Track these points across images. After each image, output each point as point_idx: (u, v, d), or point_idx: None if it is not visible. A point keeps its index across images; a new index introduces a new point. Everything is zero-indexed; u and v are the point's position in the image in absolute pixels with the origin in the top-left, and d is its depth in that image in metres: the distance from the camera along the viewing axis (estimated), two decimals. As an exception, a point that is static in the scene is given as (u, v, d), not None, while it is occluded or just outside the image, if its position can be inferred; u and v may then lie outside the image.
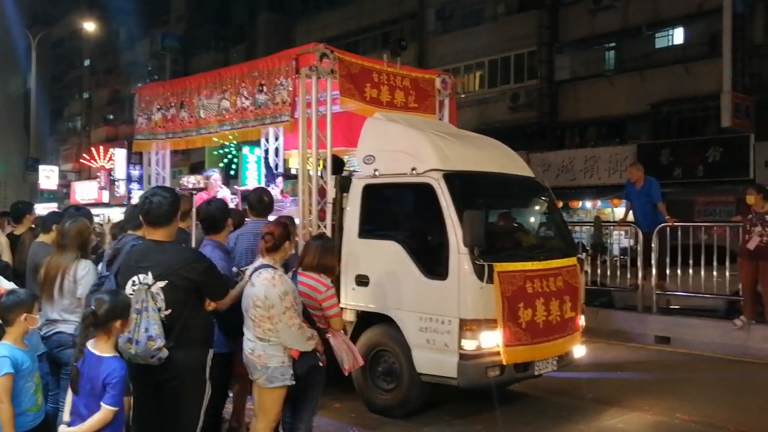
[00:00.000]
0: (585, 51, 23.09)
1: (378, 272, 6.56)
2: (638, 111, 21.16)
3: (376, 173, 6.68)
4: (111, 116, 45.45)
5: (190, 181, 8.32)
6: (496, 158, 7.04)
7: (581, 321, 6.84)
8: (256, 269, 4.66)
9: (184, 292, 4.06)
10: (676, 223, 10.54)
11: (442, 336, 6.06)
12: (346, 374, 5.18)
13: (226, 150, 27.10)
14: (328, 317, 4.96)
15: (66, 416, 3.78)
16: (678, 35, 21.59)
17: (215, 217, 5.40)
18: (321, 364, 4.74)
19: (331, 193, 6.95)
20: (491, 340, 5.99)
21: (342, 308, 6.78)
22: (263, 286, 4.51)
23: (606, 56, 23.13)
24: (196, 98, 8.09)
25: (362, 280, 6.64)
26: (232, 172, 26.27)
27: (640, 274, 10.51)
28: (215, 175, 8.83)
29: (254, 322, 4.56)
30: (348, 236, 6.80)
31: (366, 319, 6.75)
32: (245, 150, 28.40)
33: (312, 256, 5.01)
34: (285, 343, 4.54)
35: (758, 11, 19.23)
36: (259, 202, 6.14)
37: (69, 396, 3.79)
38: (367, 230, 6.71)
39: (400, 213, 7.04)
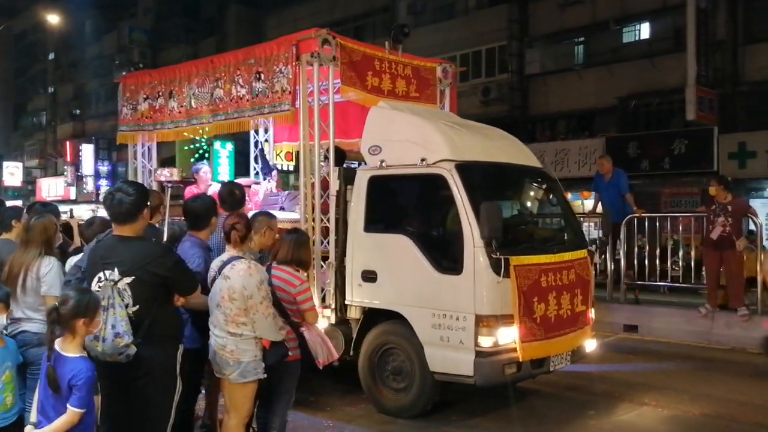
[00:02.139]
0: (554, 45, 22.93)
1: (386, 267, 6.18)
2: (606, 104, 21.09)
3: (383, 164, 6.27)
4: (77, 111, 43.90)
5: (164, 173, 7.78)
6: (504, 148, 6.69)
7: (591, 314, 6.53)
8: (226, 262, 4.49)
9: (152, 287, 3.90)
10: (643, 214, 10.52)
11: (456, 333, 5.71)
12: (321, 368, 4.98)
13: (197, 145, 26.42)
14: (303, 311, 4.81)
15: (33, 417, 3.62)
16: (644, 30, 21.59)
17: (197, 213, 5.12)
18: (290, 353, 4.63)
19: (334, 185, 6.49)
20: (508, 337, 5.68)
21: (347, 305, 6.43)
22: (240, 277, 4.36)
23: (575, 50, 23.00)
24: (187, 87, 7.51)
25: (369, 276, 6.24)
26: (203, 167, 25.53)
27: (609, 264, 10.52)
28: (205, 168, 8.29)
29: (228, 316, 4.38)
30: (353, 230, 6.40)
31: (373, 317, 6.34)
32: (216, 144, 27.78)
33: (286, 250, 4.89)
34: (261, 333, 4.42)
35: (721, 7, 19.24)
36: (230, 195, 5.85)
37: (36, 396, 3.65)
38: (374, 224, 6.32)
39: (408, 205, 6.65)
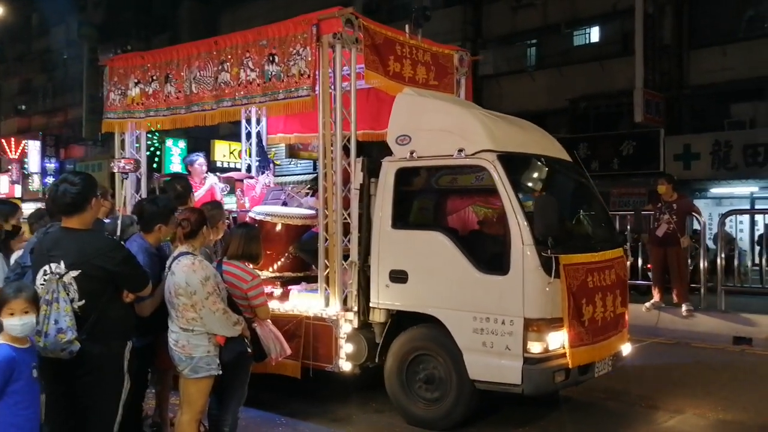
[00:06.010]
0: (507, 47, 22.56)
1: (419, 267, 5.42)
2: (558, 106, 20.83)
3: (414, 155, 5.49)
4: (23, 107, 41.11)
5: (118, 164, 6.77)
6: (538, 140, 6.05)
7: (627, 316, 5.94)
8: (175, 258, 4.28)
9: (99, 282, 3.65)
10: None
11: (502, 338, 5.00)
12: (273, 363, 4.66)
13: (149, 142, 24.92)
14: (254, 306, 4.58)
15: None
16: (594, 34, 21.46)
17: (141, 215, 4.71)
18: (249, 350, 4.43)
19: (357, 178, 5.67)
20: (557, 341, 5.03)
21: (372, 308, 5.64)
22: (183, 273, 4.15)
23: (527, 52, 22.68)
24: (186, 70, 6.48)
25: (399, 276, 5.47)
26: (155, 165, 24.12)
27: None
28: (200, 160, 7.32)
29: (178, 311, 4.18)
30: (379, 227, 5.62)
31: (400, 320, 5.58)
32: (169, 142, 26.28)
33: (236, 245, 4.66)
34: (211, 329, 4.18)
35: (667, 13, 19.26)
36: (173, 191, 5.48)
37: None
38: (404, 220, 5.56)
39: (444, 200, 5.89)
